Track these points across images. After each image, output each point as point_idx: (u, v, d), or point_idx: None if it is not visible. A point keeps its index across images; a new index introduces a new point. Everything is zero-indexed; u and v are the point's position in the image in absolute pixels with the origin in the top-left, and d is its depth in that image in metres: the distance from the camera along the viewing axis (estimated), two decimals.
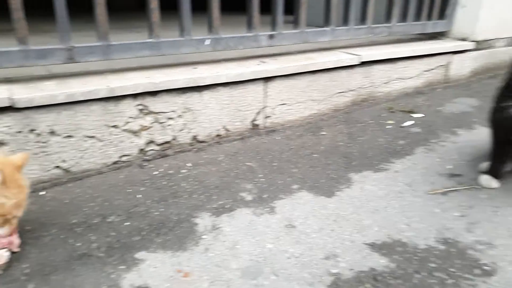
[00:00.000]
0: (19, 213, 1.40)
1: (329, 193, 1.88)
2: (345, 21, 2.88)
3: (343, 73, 2.76)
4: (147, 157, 2.13)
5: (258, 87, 2.39)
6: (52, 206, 1.74)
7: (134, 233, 1.58)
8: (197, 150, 2.28)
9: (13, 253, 1.40)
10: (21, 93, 1.75)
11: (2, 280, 1.32)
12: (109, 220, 1.66)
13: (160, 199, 1.81)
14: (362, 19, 2.97)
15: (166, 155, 2.19)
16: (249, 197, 1.84)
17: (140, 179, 1.97)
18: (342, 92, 2.83)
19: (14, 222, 1.40)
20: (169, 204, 1.78)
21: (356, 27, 2.91)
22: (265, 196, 1.85)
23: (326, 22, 2.77)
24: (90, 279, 1.35)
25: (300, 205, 1.78)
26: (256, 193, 1.87)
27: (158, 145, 2.16)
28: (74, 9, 2.18)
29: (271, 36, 2.50)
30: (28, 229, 1.57)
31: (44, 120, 1.81)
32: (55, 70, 2.15)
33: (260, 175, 2.03)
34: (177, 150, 2.23)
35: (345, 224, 1.66)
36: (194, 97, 2.19)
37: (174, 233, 1.59)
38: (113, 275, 1.37)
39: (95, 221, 1.65)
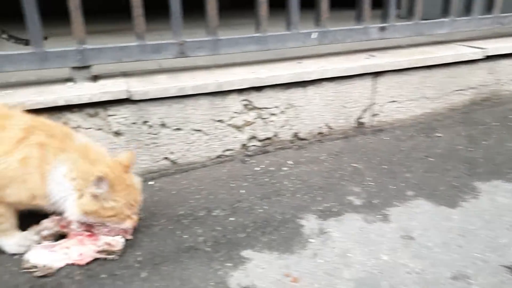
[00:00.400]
0: (134, 210, 1.42)
1: (452, 203, 1.65)
2: (467, 10, 2.55)
3: (464, 68, 2.45)
4: (248, 153, 2.11)
5: (366, 83, 2.22)
6: (160, 196, 1.79)
7: (239, 230, 1.54)
8: (297, 147, 2.19)
9: (126, 240, 1.45)
10: (137, 86, 1.83)
11: (118, 265, 1.37)
12: (214, 214, 1.65)
13: (263, 196, 1.76)
14: (488, 8, 2.61)
15: (267, 152, 2.14)
16: (357, 202, 1.70)
17: (243, 174, 1.95)
18: (461, 89, 2.52)
19: (135, 217, 1.44)
20: (272, 202, 1.72)
21: (480, 17, 2.57)
22: (375, 201, 1.70)
23: (445, 12, 2.49)
24: (198, 273, 1.33)
25: (417, 215, 1.59)
26: (365, 198, 1.72)
27: (260, 141, 2.12)
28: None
29: (382, 29, 2.31)
30: (139, 218, 1.62)
31: (156, 113, 1.87)
32: (165, 64, 2.23)
33: (369, 178, 1.87)
34: (277, 146, 2.17)
35: (475, 240, 1.43)
36: (298, 92, 2.10)
37: (280, 233, 1.52)
38: (220, 271, 1.34)
39: (201, 214, 1.65)
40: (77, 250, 1.37)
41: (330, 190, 1.79)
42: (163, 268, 1.36)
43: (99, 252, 1.37)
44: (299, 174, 1.93)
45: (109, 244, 1.38)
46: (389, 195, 1.73)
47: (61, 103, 1.68)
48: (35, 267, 1.32)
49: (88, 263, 1.35)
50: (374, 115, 2.33)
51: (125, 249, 1.43)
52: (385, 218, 1.58)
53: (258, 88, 2.01)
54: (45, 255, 1.35)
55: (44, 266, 1.32)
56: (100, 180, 1.29)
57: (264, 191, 1.79)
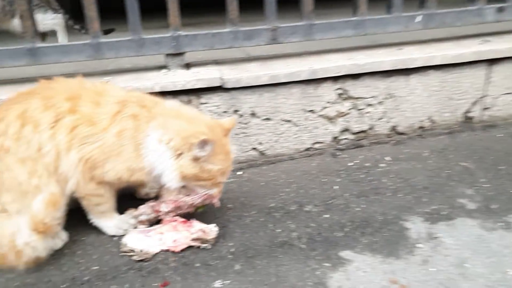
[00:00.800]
0: (224, 179, 1.38)
1: None
2: None
3: None
4: (340, 146, 1.97)
5: (479, 72, 1.96)
6: (249, 187, 1.73)
7: (335, 228, 1.42)
8: (395, 142, 2.00)
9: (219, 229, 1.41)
10: (229, 74, 1.78)
11: (211, 255, 1.33)
12: (307, 209, 1.55)
13: (360, 193, 1.62)
14: None
15: (361, 146, 1.98)
16: (471, 205, 1.49)
17: (334, 169, 1.82)
18: None
19: (221, 186, 1.39)
20: (370, 200, 1.57)
21: None
22: (494, 207, 1.47)
23: None
24: (294, 270, 1.24)
25: None
26: (480, 202, 1.50)
27: (353, 133, 1.97)
28: None
29: (500, 9, 2.02)
30: (230, 207, 1.57)
31: (247, 101, 1.81)
32: (253, 53, 2.17)
33: (482, 180, 1.64)
34: (372, 140, 2.00)
35: None
36: (399, 81, 1.91)
37: (382, 235, 1.37)
38: (318, 271, 1.24)
39: (292, 208, 1.55)
40: (172, 237, 1.35)
41: (436, 190, 1.60)
42: (257, 262, 1.29)
43: (193, 240, 1.34)
44: (399, 172, 1.75)
45: (203, 231, 1.35)
46: (510, 200, 1.50)
47: (157, 89, 1.69)
48: (133, 251, 1.33)
49: (182, 250, 1.33)
50: (485, 108, 2.05)
51: (217, 239, 1.39)
52: (508, 227, 1.36)
53: (355, 76, 1.86)
54: (141, 240, 1.35)
55: (141, 251, 1.32)
56: (204, 143, 1.24)
57: (361, 189, 1.65)
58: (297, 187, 1.70)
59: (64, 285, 1.24)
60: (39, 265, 1.30)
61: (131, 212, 1.45)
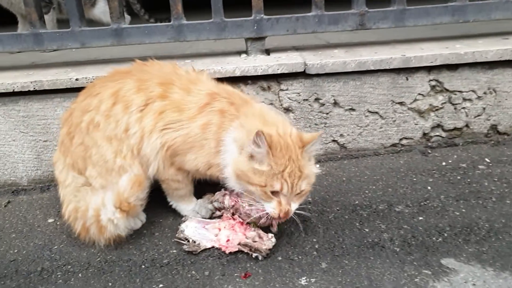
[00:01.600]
0: (287, 190, 1.14)
1: None
2: None
3: None
4: (430, 144, 1.78)
5: None
6: (329, 181, 1.61)
7: (433, 232, 1.26)
8: (494, 143, 1.77)
9: (304, 229, 1.31)
10: (313, 59, 1.67)
11: (294, 249, 1.23)
12: (397, 209, 1.40)
13: (458, 197, 1.44)
14: None
15: (454, 144, 1.78)
16: None
17: (425, 168, 1.64)
18: None
19: (278, 206, 1.14)
20: (472, 205, 1.38)
21: None
22: None
23: None
24: (389, 275, 1.11)
25: None
26: None
27: (446, 131, 1.78)
28: None
29: None
30: (309, 201, 1.46)
31: (330, 89, 1.69)
32: (332, 41, 2.04)
33: None
34: (467, 140, 1.79)
35: None
36: (504, 74, 1.69)
37: (491, 245, 1.19)
38: (416, 278, 1.09)
39: (381, 207, 1.41)
40: (226, 235, 1.26)
41: None
42: (345, 262, 1.17)
43: (243, 245, 1.20)
44: (503, 176, 1.54)
45: (260, 237, 1.21)
46: None
47: (238, 73, 1.62)
48: (187, 240, 1.26)
49: (231, 253, 1.22)
50: None
51: (299, 234, 1.28)
52: None
53: (452, 67, 1.67)
54: (198, 230, 1.28)
55: (194, 242, 1.25)
56: (258, 136, 1.10)
57: (458, 192, 1.47)
58: (384, 185, 1.55)
59: (144, 266, 1.20)
60: (118, 243, 1.28)
61: (208, 197, 1.39)
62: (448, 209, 1.38)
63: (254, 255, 1.19)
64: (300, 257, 1.20)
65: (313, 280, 1.11)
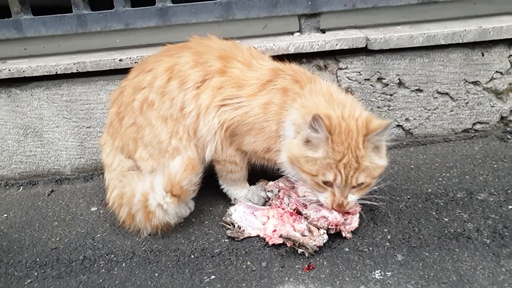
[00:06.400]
0: (343, 184, 1.01)
1: None
2: None
3: None
4: (510, 129, 1.57)
5: None
6: (395, 169, 1.43)
7: None
8: None
9: (360, 221, 1.15)
10: (375, 34, 1.51)
11: (362, 240, 1.07)
12: (480, 198, 1.21)
13: None
14: None
15: None
16: None
17: (506, 154, 1.43)
18: None
19: (338, 195, 1.02)
20: None
21: None
22: None
23: None
24: (482, 270, 0.93)
25: None
26: None
27: None
28: None
29: None
30: (375, 190, 1.29)
31: (394, 68, 1.52)
32: (394, 20, 1.87)
33: None
34: None
35: None
36: None
37: None
38: None
39: (459, 196, 1.23)
40: (274, 225, 1.12)
41: None
42: (425, 254, 1.00)
43: (285, 238, 1.05)
44: None
45: (310, 231, 1.06)
46: None
47: (291, 50, 1.49)
48: (232, 224, 1.15)
49: (274, 244, 1.09)
50: None
51: (367, 223, 1.13)
52: None
53: None
54: (246, 216, 1.16)
55: (240, 228, 1.13)
56: (316, 121, 0.97)
57: None
58: (460, 173, 1.36)
59: (194, 256, 1.09)
60: (165, 232, 1.17)
61: (262, 185, 1.26)
62: None
63: (300, 250, 1.04)
64: (370, 248, 1.05)
65: (388, 273, 0.96)
